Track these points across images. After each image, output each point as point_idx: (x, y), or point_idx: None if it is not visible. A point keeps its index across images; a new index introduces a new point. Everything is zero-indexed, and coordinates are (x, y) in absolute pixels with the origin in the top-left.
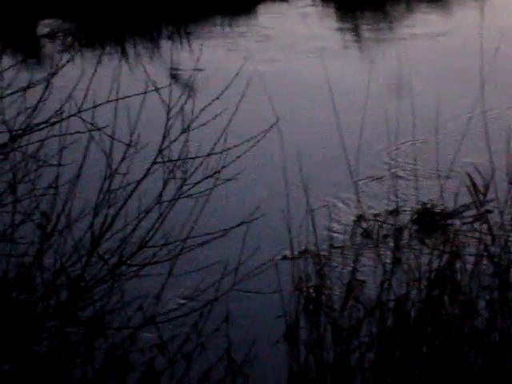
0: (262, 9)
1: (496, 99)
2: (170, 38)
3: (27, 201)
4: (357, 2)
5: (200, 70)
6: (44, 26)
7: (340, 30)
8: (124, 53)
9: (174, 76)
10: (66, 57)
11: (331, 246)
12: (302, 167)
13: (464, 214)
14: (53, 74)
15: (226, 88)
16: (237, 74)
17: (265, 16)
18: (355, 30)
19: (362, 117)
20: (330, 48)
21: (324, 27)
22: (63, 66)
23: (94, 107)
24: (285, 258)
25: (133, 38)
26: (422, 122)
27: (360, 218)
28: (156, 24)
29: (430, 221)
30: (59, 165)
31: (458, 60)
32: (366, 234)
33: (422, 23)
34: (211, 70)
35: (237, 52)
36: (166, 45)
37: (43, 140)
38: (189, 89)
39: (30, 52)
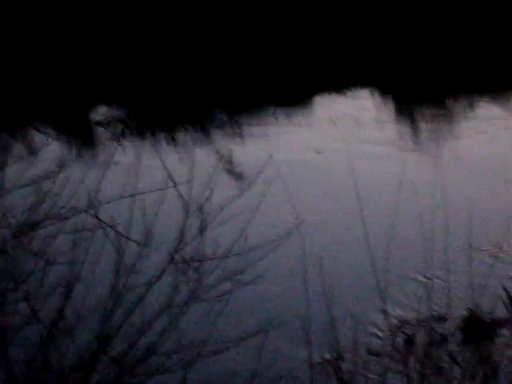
0: (317, 101)
1: None
2: (220, 127)
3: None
4: (415, 95)
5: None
6: (98, 113)
7: (396, 129)
8: (168, 141)
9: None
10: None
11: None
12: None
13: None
14: (61, 166)
15: (247, 187)
16: (260, 172)
17: (319, 110)
18: (413, 130)
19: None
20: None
21: (379, 126)
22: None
23: (106, 203)
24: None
25: (183, 127)
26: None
27: (402, 323)
28: (209, 113)
29: (477, 330)
30: (70, 263)
31: None
32: (409, 341)
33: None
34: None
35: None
36: (216, 134)
37: (51, 235)
38: (210, 185)
39: (83, 140)
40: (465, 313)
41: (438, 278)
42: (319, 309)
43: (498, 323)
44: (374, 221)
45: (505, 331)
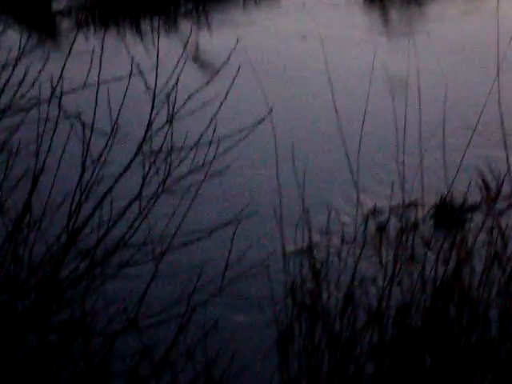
0: None
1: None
2: (186, 15)
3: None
4: None
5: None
6: (59, 2)
7: (365, 19)
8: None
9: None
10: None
11: (330, 243)
12: (295, 159)
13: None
14: (19, 58)
15: (216, 74)
16: (227, 60)
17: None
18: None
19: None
20: (344, 35)
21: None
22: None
23: (69, 93)
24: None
25: (147, 15)
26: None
27: (374, 211)
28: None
29: (448, 215)
30: (36, 154)
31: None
32: (380, 228)
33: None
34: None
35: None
36: (182, 23)
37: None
38: (176, 74)
39: (44, 30)
40: (437, 199)
41: (410, 164)
42: (292, 198)
43: (470, 208)
44: (346, 107)
45: (477, 215)
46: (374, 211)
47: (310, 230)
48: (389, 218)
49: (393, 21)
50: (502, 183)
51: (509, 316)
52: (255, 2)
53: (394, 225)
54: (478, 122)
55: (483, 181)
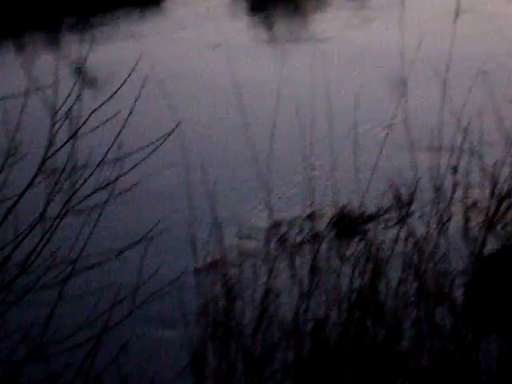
0: (170, 2)
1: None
2: (71, 30)
3: None
4: None
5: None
6: None
7: (249, 26)
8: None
9: (77, 72)
10: None
11: (242, 257)
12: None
13: (386, 217)
14: None
15: (119, 88)
16: (130, 74)
17: (173, 10)
18: (267, 27)
19: (273, 116)
20: (235, 44)
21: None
22: None
23: None
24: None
25: (30, 31)
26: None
27: (275, 224)
28: (58, 16)
29: (349, 225)
30: None
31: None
32: (283, 241)
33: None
34: (112, 68)
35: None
36: (67, 38)
37: None
38: (79, 88)
39: None
40: (339, 209)
41: (318, 176)
42: (204, 212)
43: (371, 217)
44: (256, 119)
45: (375, 224)
46: (280, 223)
47: (221, 245)
48: (292, 229)
49: (282, 31)
50: (415, 190)
51: (423, 325)
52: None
53: (298, 236)
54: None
55: (393, 188)
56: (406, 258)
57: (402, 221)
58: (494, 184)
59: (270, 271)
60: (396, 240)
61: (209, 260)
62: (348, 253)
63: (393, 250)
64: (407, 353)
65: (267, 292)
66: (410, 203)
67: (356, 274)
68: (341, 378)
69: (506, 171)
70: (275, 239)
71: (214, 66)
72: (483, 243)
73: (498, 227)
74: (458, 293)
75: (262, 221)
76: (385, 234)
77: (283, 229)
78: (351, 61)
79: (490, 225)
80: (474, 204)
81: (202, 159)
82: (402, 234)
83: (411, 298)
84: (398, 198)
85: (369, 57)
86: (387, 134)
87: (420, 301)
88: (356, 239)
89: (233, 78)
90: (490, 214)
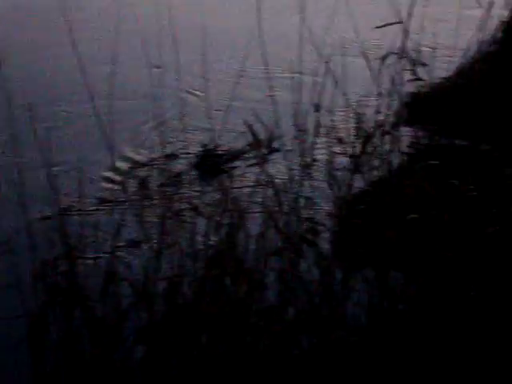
0: None
1: None
2: None
3: None
4: None
5: None
6: None
7: None
8: None
9: None
10: None
11: (98, 204)
12: None
13: (245, 160)
14: None
15: None
16: None
17: None
18: None
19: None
20: None
21: None
22: None
23: None
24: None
25: None
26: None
27: (135, 164)
28: None
29: (212, 165)
30: None
31: None
32: (142, 183)
33: None
34: None
35: None
36: None
37: None
38: None
39: None
40: (199, 148)
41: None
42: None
43: (234, 156)
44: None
45: (240, 163)
46: (134, 166)
47: (58, 197)
48: (150, 171)
49: None
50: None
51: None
52: None
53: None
54: None
55: (250, 128)
56: (267, 205)
57: (261, 164)
58: (359, 123)
59: (119, 224)
60: (255, 186)
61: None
62: (204, 201)
63: (252, 199)
64: (271, 308)
65: (113, 250)
66: (270, 145)
67: (212, 226)
68: (199, 340)
69: (371, 109)
70: (134, 183)
71: None
72: (349, 186)
73: (364, 169)
74: (324, 240)
75: (122, 163)
76: (243, 180)
77: (143, 171)
78: None
79: (355, 166)
80: (339, 143)
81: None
82: (262, 179)
83: (273, 249)
84: (256, 139)
85: None
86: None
87: (283, 251)
88: (215, 183)
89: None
90: (356, 154)
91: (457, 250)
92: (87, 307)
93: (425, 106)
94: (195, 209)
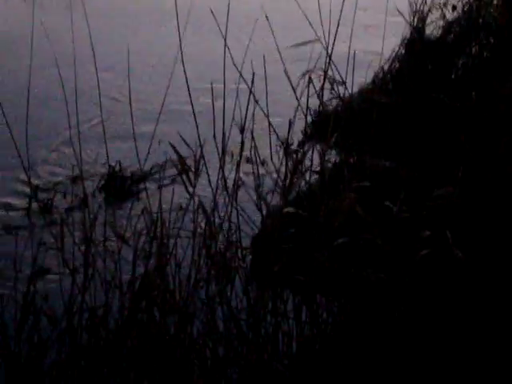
0: None
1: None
2: None
3: None
4: None
5: None
6: None
7: None
8: None
9: None
10: None
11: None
12: None
13: (159, 176)
14: None
15: None
16: None
17: None
18: None
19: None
20: None
21: None
22: None
23: None
24: None
25: None
26: None
27: (36, 188)
28: None
29: (120, 186)
30: None
31: None
32: (45, 208)
33: None
34: None
35: None
36: None
37: None
38: None
39: None
40: (105, 170)
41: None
42: None
43: (142, 177)
44: None
45: (150, 185)
46: (44, 189)
47: None
48: (54, 195)
49: None
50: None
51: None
52: None
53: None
54: None
55: (173, 148)
56: (195, 231)
57: (187, 184)
58: (286, 144)
59: (36, 249)
60: (183, 212)
61: None
62: (126, 228)
63: (179, 224)
64: (201, 341)
65: (32, 278)
66: (196, 167)
67: (139, 255)
68: (126, 376)
69: (298, 126)
70: (37, 207)
71: None
72: (278, 209)
73: (293, 192)
74: (251, 265)
75: (23, 186)
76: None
77: (46, 194)
78: None
79: (284, 190)
80: (262, 164)
81: None
82: (190, 204)
83: (203, 277)
84: (179, 160)
85: None
86: None
87: (211, 279)
88: (130, 206)
89: None
90: (286, 179)
91: (388, 273)
92: (1, 342)
93: (336, 124)
94: (120, 236)
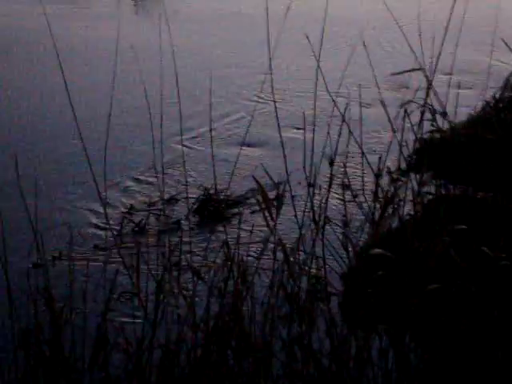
0: None
1: None
2: None
3: None
4: None
5: None
6: None
7: None
8: None
9: None
10: None
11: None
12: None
13: (251, 201)
14: None
15: None
16: None
17: None
18: None
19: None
20: None
21: None
22: None
23: None
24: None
25: None
26: None
27: (131, 209)
28: None
29: (213, 210)
30: None
31: None
32: (139, 229)
33: None
34: None
35: None
36: None
37: None
38: None
39: None
40: (199, 192)
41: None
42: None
43: (235, 202)
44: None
45: (245, 209)
46: (129, 211)
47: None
48: (147, 217)
49: None
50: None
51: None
52: None
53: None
54: None
55: (255, 180)
56: (275, 269)
57: (267, 217)
58: (377, 184)
59: (112, 284)
60: (263, 249)
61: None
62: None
63: (258, 263)
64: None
65: (106, 312)
66: (279, 201)
67: (215, 292)
68: None
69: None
70: (129, 228)
71: None
72: (367, 247)
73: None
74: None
75: (117, 207)
76: (250, 239)
77: (139, 216)
78: None
79: (374, 232)
80: (354, 200)
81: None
82: (272, 239)
83: (281, 319)
84: (264, 194)
85: None
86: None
87: (292, 320)
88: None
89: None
90: (375, 220)
91: (482, 322)
92: (73, 379)
93: (437, 154)
94: (197, 273)
